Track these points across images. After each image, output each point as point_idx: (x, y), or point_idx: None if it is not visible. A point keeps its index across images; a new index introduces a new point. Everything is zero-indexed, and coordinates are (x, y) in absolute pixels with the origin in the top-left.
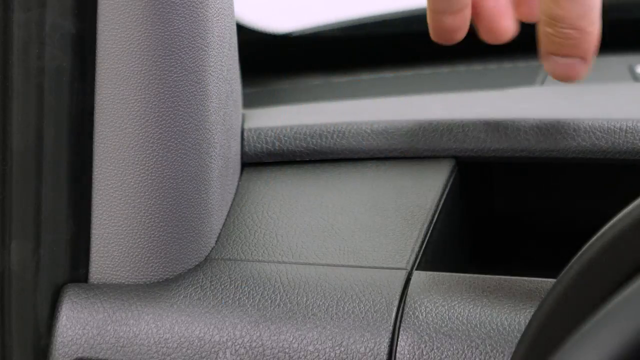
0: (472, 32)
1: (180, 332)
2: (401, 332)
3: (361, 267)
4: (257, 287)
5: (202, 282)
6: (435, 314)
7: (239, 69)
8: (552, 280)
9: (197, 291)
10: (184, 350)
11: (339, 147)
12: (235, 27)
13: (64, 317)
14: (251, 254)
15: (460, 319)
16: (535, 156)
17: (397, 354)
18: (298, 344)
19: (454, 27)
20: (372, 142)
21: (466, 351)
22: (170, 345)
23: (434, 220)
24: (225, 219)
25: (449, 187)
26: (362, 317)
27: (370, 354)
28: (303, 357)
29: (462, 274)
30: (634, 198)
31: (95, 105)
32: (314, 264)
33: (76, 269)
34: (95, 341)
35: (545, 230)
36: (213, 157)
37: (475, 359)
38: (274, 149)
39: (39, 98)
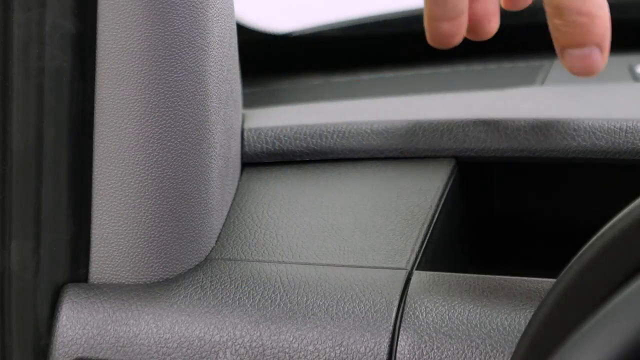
0: None
1: (180, 332)
2: (401, 332)
3: (361, 267)
4: (257, 287)
5: (202, 282)
6: (435, 314)
7: (239, 69)
8: (552, 280)
9: (197, 291)
10: (184, 350)
11: (339, 147)
12: (235, 27)
13: (64, 317)
14: (251, 254)
15: (460, 319)
16: (535, 156)
17: (397, 354)
18: (298, 344)
19: (451, 32)
20: (372, 142)
21: (466, 351)
22: (170, 345)
23: (434, 220)
24: (225, 219)
25: (449, 187)
26: (362, 317)
27: (370, 354)
28: (303, 357)
29: (462, 274)
30: (634, 198)
31: (95, 105)
32: (314, 264)
33: (76, 269)
34: (95, 341)
35: (545, 230)
36: (213, 157)
37: (475, 359)
38: (274, 149)
39: (39, 98)
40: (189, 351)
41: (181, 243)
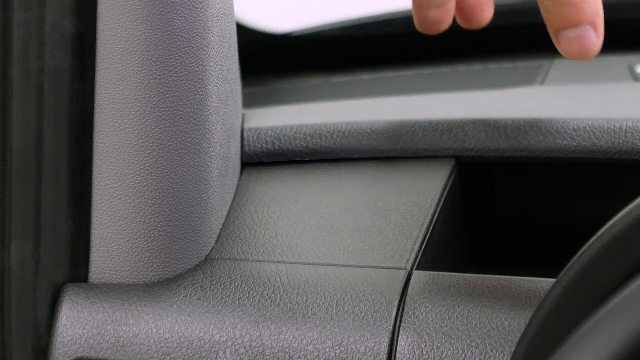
0: (472, 33)
1: (180, 332)
2: (401, 332)
3: (361, 267)
4: (257, 287)
5: (202, 282)
6: (435, 314)
7: (239, 69)
8: (552, 280)
9: (197, 291)
10: (184, 350)
11: (339, 147)
12: (235, 27)
13: (64, 317)
14: (251, 254)
15: (460, 319)
16: (535, 156)
17: (397, 354)
18: (298, 344)
19: (438, 19)
20: (372, 142)
21: (466, 351)
22: (170, 345)
23: (434, 220)
24: (225, 219)
25: (449, 187)
26: (362, 317)
27: (370, 354)
28: (303, 357)
29: (462, 274)
30: (634, 198)
31: (95, 105)
32: (314, 264)
33: (76, 269)
34: (95, 341)
35: (545, 230)
36: (213, 157)
37: (475, 359)
38: (274, 149)
39: (39, 98)
40: (189, 351)
41: (181, 243)
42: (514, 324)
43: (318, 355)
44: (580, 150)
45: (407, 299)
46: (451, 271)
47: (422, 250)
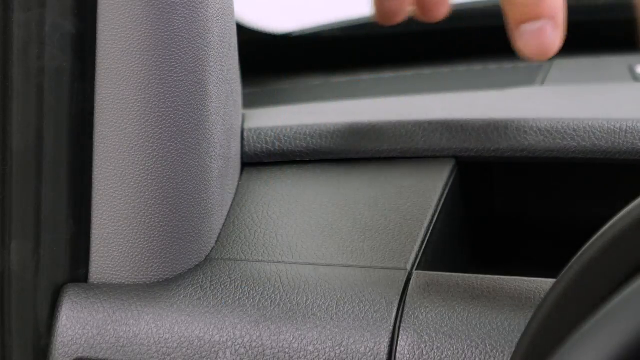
0: (473, 33)
1: (180, 332)
2: (401, 332)
3: (361, 267)
4: (257, 287)
5: (202, 282)
6: (435, 314)
7: (239, 69)
8: (552, 280)
9: (197, 291)
10: (184, 350)
11: (339, 147)
12: (235, 27)
13: (64, 317)
14: (251, 254)
15: (460, 319)
16: (535, 156)
17: (397, 354)
18: (298, 344)
19: (395, 10)
20: (372, 142)
21: (466, 351)
22: (170, 345)
23: (434, 220)
24: (225, 219)
25: (449, 187)
26: (362, 317)
27: (370, 354)
28: (303, 357)
29: (462, 274)
30: (634, 198)
31: (95, 105)
32: (314, 264)
33: (76, 269)
34: (95, 341)
35: (545, 230)
36: (213, 157)
37: (475, 359)
38: (274, 149)
39: (39, 98)
40: (189, 351)
41: (181, 243)
42: (514, 324)
43: (318, 355)
44: (580, 150)
45: (407, 299)
46: (451, 271)
47: (422, 250)
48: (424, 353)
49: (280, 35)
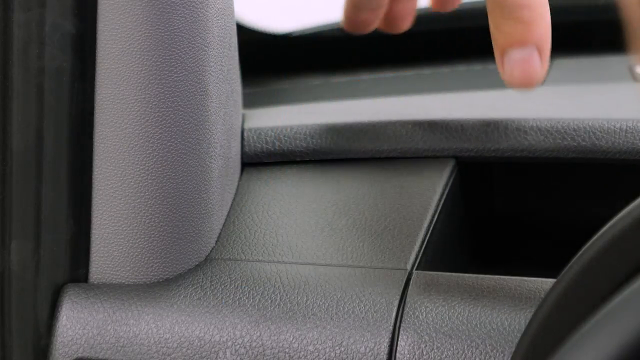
0: (473, 33)
1: (180, 332)
2: (401, 332)
3: (361, 267)
4: (257, 287)
5: (202, 282)
6: (435, 314)
7: (239, 69)
8: (552, 280)
9: (197, 291)
10: (184, 350)
11: (339, 147)
12: (235, 27)
13: (64, 317)
14: (251, 254)
15: (460, 319)
16: (535, 156)
17: (397, 354)
18: (298, 344)
19: (368, 22)
20: (372, 142)
21: (466, 351)
22: (170, 345)
23: (434, 220)
24: (225, 219)
25: (449, 187)
26: (362, 317)
27: (370, 354)
28: (303, 357)
29: (462, 274)
30: (634, 198)
31: (95, 105)
32: (314, 264)
33: (76, 269)
34: (95, 341)
35: (545, 230)
36: (213, 157)
37: (475, 359)
38: (274, 149)
39: (39, 98)
40: (189, 351)
41: (181, 243)
42: (514, 324)
43: (318, 355)
44: (580, 150)
45: (407, 299)
46: (451, 271)
47: (422, 250)
48: (424, 353)
49: (280, 35)
